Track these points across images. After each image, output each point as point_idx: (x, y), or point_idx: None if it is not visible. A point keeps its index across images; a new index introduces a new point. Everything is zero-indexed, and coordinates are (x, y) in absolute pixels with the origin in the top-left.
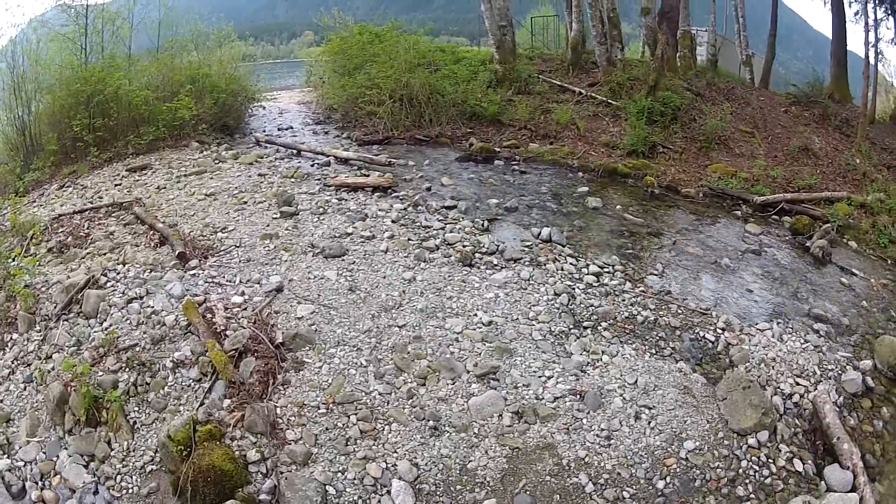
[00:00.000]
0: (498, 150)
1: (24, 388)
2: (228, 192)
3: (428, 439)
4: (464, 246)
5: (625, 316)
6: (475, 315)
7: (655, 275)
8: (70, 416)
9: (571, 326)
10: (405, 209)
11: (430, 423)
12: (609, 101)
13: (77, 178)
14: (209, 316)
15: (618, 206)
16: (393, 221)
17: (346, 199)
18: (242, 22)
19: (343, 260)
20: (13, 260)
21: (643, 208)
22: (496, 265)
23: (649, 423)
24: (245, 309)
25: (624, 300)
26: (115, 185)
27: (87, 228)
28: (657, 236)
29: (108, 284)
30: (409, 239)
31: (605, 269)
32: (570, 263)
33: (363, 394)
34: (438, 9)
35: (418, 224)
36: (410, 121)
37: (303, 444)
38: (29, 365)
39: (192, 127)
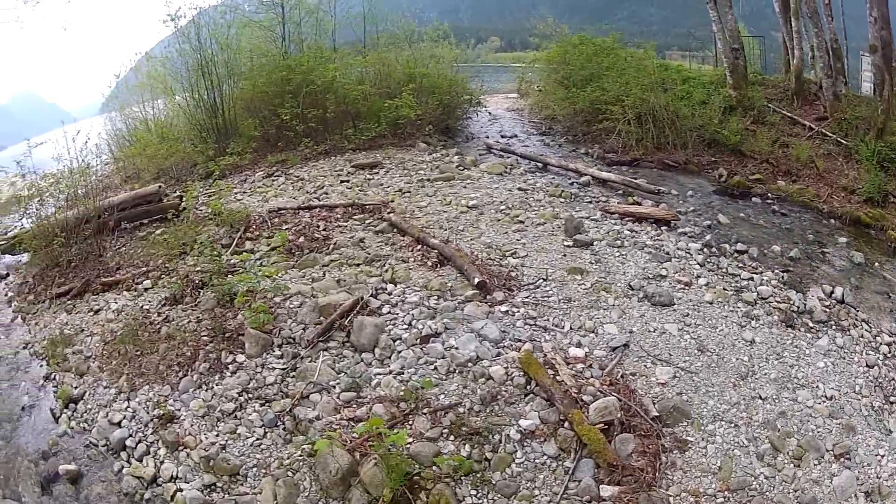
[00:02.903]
0: (750, 185)
1: (264, 434)
2: (494, 206)
3: None
4: (778, 302)
5: None
6: (817, 387)
7: None
8: (361, 493)
9: (884, 402)
10: (702, 250)
11: None
12: (840, 140)
13: (288, 168)
14: (550, 372)
15: (875, 264)
16: (700, 265)
17: (635, 231)
18: (428, 25)
19: (674, 310)
20: (219, 254)
21: (892, 265)
22: (812, 328)
23: None
24: (590, 366)
25: None
26: (341, 182)
27: (324, 230)
28: None
29: (383, 309)
30: (724, 288)
31: (894, 340)
32: (866, 329)
33: (752, 478)
34: (622, 20)
35: (723, 270)
36: (652, 142)
37: None
38: (267, 402)
39: (417, 127)
